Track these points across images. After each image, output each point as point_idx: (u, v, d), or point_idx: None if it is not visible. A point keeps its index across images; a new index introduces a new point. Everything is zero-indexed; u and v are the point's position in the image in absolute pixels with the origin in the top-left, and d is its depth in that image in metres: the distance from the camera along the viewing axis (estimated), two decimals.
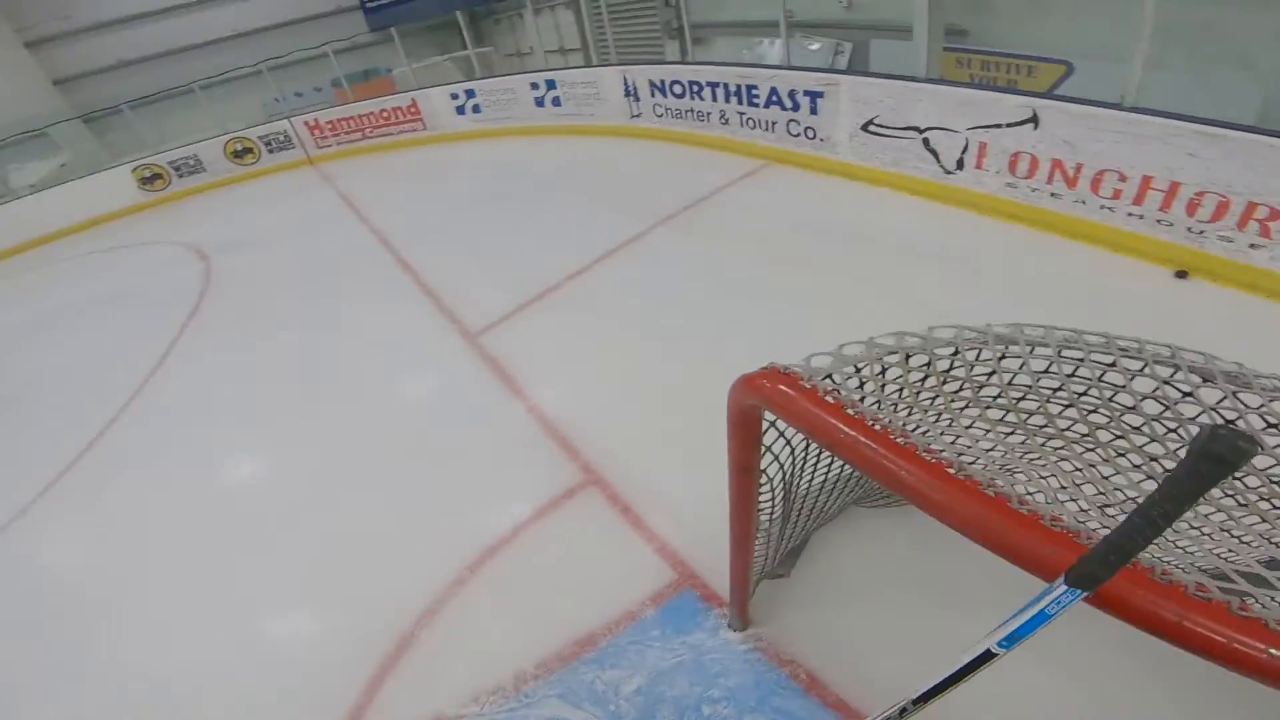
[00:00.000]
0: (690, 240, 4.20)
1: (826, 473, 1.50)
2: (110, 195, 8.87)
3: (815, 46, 5.76)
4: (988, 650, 0.74)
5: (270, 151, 9.04)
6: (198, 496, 3.08)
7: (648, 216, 4.54)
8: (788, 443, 1.16)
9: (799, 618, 1.91)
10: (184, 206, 8.72)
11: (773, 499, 1.32)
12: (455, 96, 8.03)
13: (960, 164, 3.83)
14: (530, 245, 4.74)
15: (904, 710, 0.87)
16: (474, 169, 6.84)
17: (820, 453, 1.35)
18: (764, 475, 1.17)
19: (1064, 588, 0.62)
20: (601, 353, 3.33)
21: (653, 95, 5.99)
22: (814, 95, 4.39)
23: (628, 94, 6.26)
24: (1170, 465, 0.84)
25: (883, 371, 0.92)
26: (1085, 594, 0.61)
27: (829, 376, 0.82)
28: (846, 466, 1.54)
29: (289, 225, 6.79)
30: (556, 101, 7.11)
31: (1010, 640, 0.71)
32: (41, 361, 4.97)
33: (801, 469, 1.36)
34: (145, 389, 4.10)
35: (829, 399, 0.76)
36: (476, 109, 7.90)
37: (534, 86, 7.23)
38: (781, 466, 1.23)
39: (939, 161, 3.92)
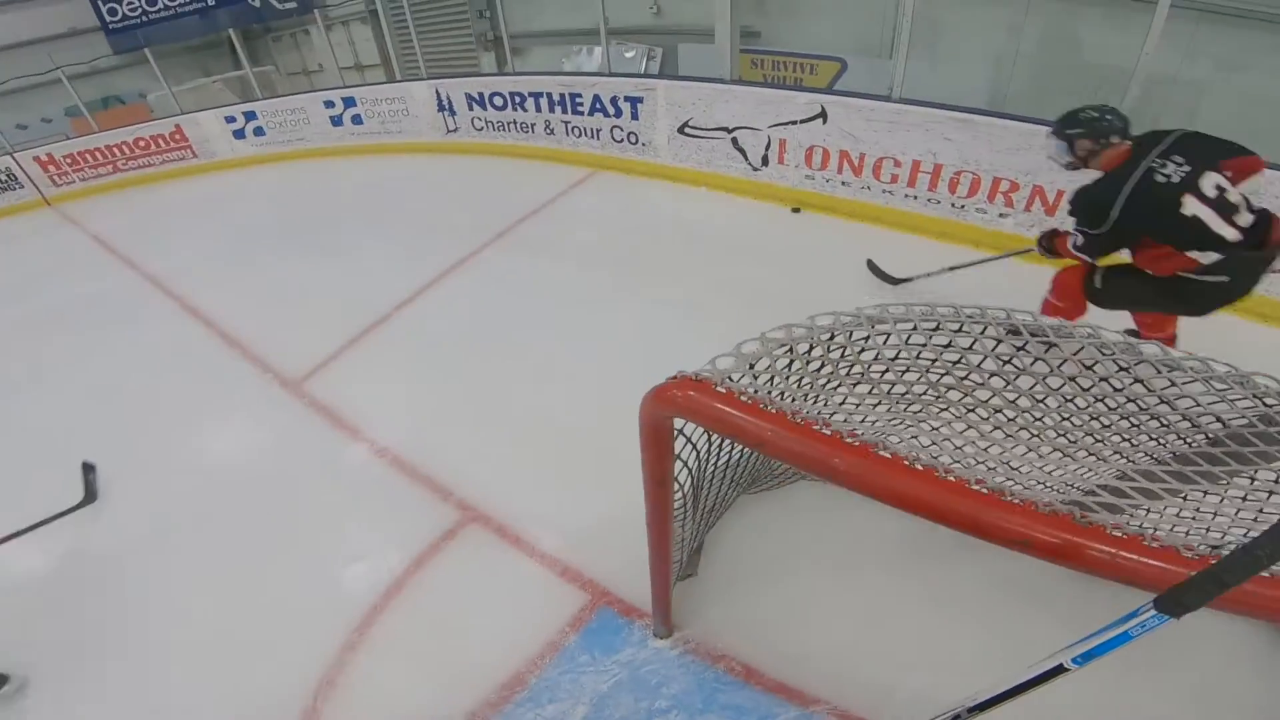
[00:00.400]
0: (525, 255, 4.12)
1: (727, 468, 1.54)
2: None
3: (630, 54, 5.95)
4: (1060, 665, 0.76)
5: None
6: None
7: (477, 234, 4.37)
8: (694, 447, 1.17)
9: (718, 612, 1.96)
10: None
11: (684, 504, 1.33)
12: (232, 120, 7.10)
13: (765, 160, 4.18)
14: (346, 277, 4.32)
15: (957, 718, 0.89)
16: (265, 198, 6.11)
17: (721, 450, 1.39)
18: (675, 483, 1.17)
19: (1152, 612, 0.64)
20: (448, 383, 3.14)
21: (470, 109, 5.78)
22: (634, 100, 4.53)
23: (441, 108, 5.98)
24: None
25: (789, 364, 0.95)
26: (1172, 618, 0.63)
27: (740, 377, 0.83)
28: (745, 459, 1.60)
29: (24, 277, 5.53)
30: (357, 119, 6.58)
31: (1086, 657, 0.73)
32: None
33: (705, 469, 1.38)
34: None
35: (744, 399, 0.78)
36: (259, 131, 7.07)
37: (329, 105, 6.63)
38: (690, 472, 1.24)
39: (747, 159, 4.25)
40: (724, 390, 0.79)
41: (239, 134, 7.12)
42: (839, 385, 1.03)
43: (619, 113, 4.69)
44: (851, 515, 1.92)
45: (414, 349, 3.42)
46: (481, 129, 5.84)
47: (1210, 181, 1.92)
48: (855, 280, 3.33)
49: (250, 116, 7.00)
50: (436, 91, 5.95)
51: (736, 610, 1.96)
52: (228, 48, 10.71)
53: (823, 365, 1.00)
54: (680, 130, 4.41)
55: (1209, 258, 1.94)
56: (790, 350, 0.98)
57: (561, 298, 3.61)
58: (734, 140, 4.18)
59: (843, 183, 3.96)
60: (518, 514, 2.41)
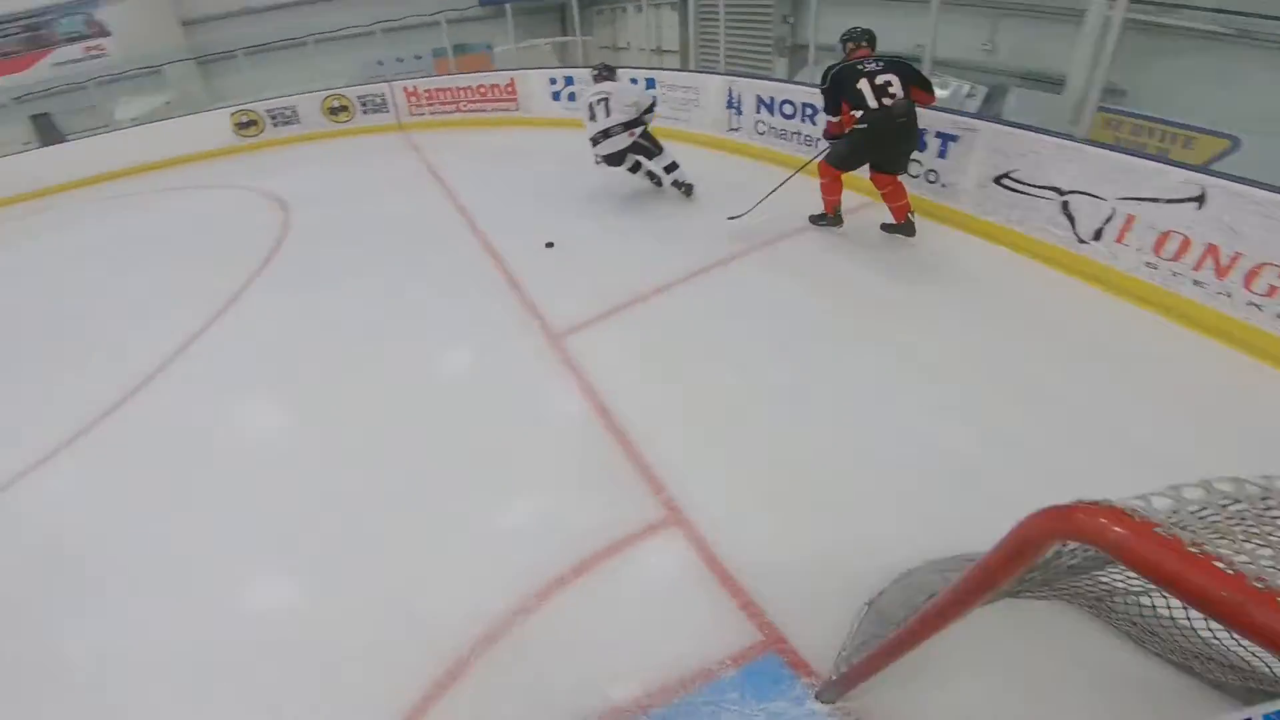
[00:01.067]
0: (780, 274, 4.00)
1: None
2: (206, 136, 9.12)
3: (946, 91, 5.46)
4: None
5: (364, 112, 9.15)
6: (228, 462, 3.07)
7: (737, 240, 4.37)
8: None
9: (895, 694, 1.75)
10: (273, 154, 8.91)
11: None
12: (553, 82, 7.97)
13: (1098, 234, 3.54)
14: (616, 248, 4.62)
15: None
16: (566, 160, 6.76)
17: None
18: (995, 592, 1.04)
19: None
20: (690, 385, 3.16)
21: (758, 111, 5.79)
22: (947, 138, 4.14)
23: (730, 106, 6.08)
24: None
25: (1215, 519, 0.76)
26: None
27: (1185, 526, 0.69)
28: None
29: (373, 185, 6.87)
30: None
31: None
32: (104, 291, 5.15)
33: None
34: (203, 335, 4.20)
35: (1194, 551, 0.64)
36: (571, 97, 7.84)
37: (633, 82, 7.11)
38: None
39: (1074, 228, 3.64)
40: (1169, 535, 0.66)
41: (555, 95, 7.98)
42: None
43: (923, 146, 4.31)
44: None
45: (661, 340, 3.52)
46: (764, 133, 5.82)
47: (883, 79, 3.55)
48: (1217, 415, 2.69)
49: (569, 81, 7.79)
50: (729, 88, 6.04)
51: (916, 699, 1.74)
52: (557, 14, 12.08)
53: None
54: (996, 180, 3.92)
55: (863, 116, 3.61)
56: (1232, 509, 0.77)
57: (805, 328, 3.46)
58: (1064, 205, 3.61)
59: (1195, 281, 3.21)
60: (721, 534, 2.37)
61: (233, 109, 9.18)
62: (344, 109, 9.14)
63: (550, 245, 4.52)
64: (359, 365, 3.63)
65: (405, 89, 9.03)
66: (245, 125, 9.13)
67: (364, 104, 9.15)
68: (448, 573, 2.36)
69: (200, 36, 11.50)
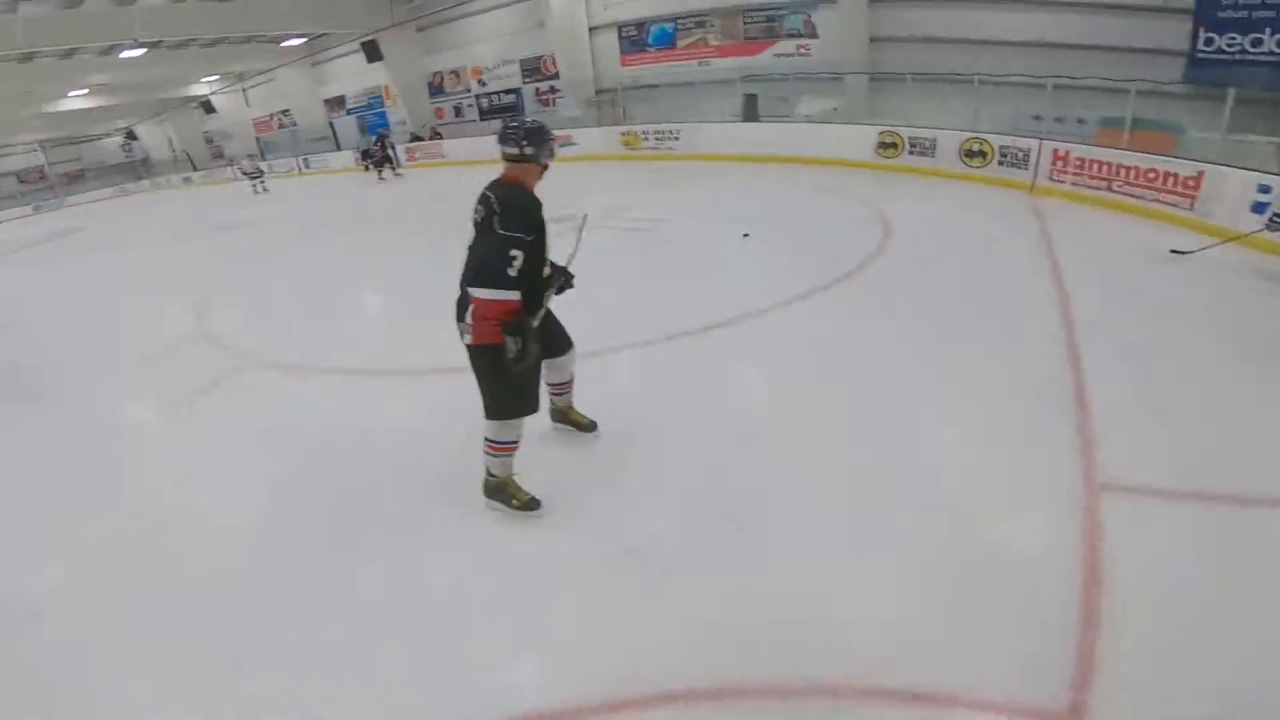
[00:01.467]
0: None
1: None
2: (851, 147, 10.69)
3: None
4: None
5: (1000, 163, 9.23)
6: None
7: None
8: None
9: None
10: (900, 179, 9.88)
11: None
12: (1264, 190, 6.48)
13: None
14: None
15: None
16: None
17: None
18: None
19: None
20: None
21: None
22: None
23: None
24: None
25: None
26: None
27: None
28: None
29: (978, 238, 7.00)
30: None
31: None
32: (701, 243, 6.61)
33: None
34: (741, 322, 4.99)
35: None
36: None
37: None
38: None
39: None
40: None
41: (1257, 207, 6.50)
42: None
43: None
44: None
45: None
46: None
47: None
48: None
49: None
50: None
51: None
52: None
53: None
54: None
55: None
56: None
57: None
58: None
59: None
60: None
61: (881, 128, 10.47)
62: (981, 154, 9.40)
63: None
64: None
65: (1055, 150, 8.69)
66: (886, 146, 10.34)
67: (1003, 155, 9.22)
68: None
69: (881, 54, 13.08)
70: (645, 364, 4.60)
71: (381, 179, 17.61)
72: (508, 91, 20.09)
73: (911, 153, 10.10)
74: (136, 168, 34.68)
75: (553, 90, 18.74)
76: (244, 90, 27.27)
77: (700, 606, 2.40)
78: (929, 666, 2.07)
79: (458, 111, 21.65)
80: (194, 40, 19.36)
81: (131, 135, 34.18)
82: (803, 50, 14.04)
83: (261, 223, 13.93)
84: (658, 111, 15.38)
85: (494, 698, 2.15)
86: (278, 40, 20.68)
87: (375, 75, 21.86)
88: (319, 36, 21.17)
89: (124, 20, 15.25)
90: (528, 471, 3.03)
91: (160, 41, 18.04)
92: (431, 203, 12.83)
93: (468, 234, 2.65)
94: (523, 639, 2.40)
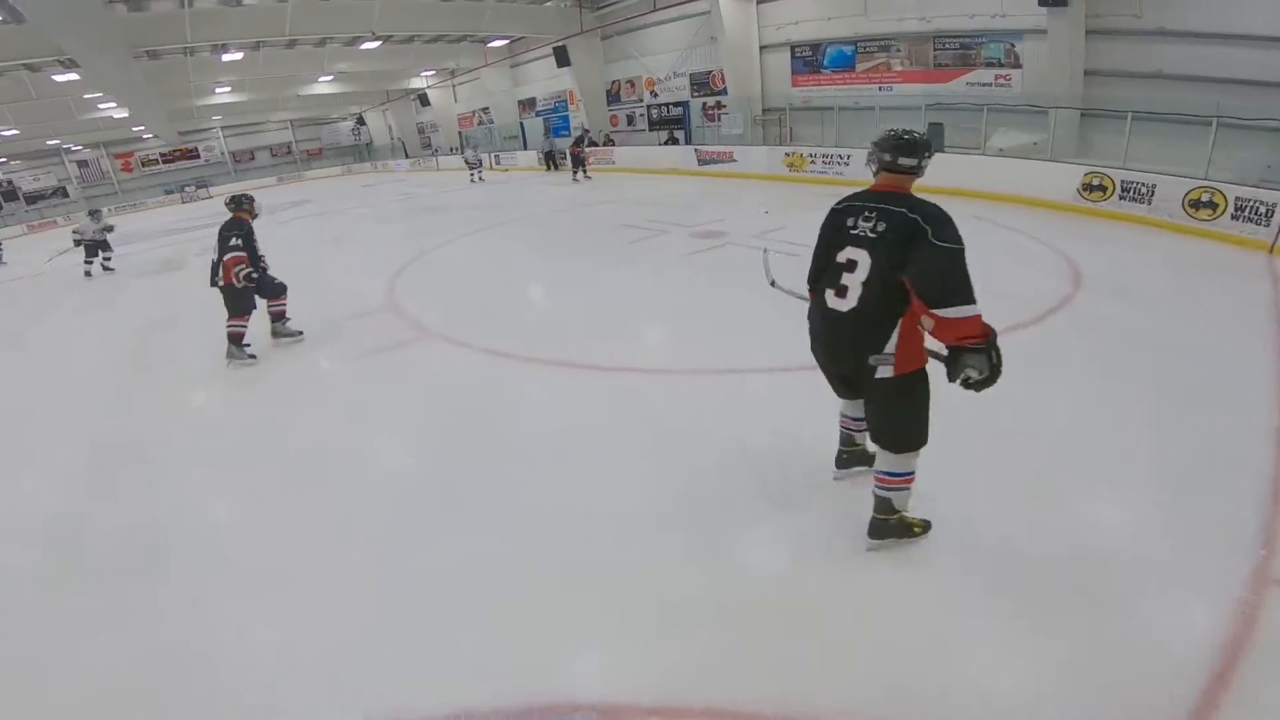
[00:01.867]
0: None
1: None
2: (1049, 186, 9.69)
3: None
4: None
5: (1234, 217, 7.91)
6: None
7: None
8: None
9: None
10: (1104, 226, 8.78)
11: None
12: None
13: None
14: None
15: None
16: None
17: None
18: None
19: None
20: None
21: None
22: None
23: None
24: None
25: None
26: None
27: None
28: None
29: (1184, 300, 6.02)
30: None
31: None
32: None
33: None
34: None
35: None
36: None
37: None
38: None
39: None
40: None
41: None
42: None
43: None
44: None
45: None
46: None
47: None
48: None
49: None
50: None
51: None
52: None
53: None
54: None
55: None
56: None
57: None
58: None
59: None
60: None
61: (1088, 168, 9.39)
62: (1211, 205, 8.11)
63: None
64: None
65: None
66: (1092, 188, 9.26)
67: (1239, 208, 7.87)
68: None
69: (1095, 90, 11.79)
70: (783, 390, 4.53)
71: (575, 180, 18.64)
72: (676, 104, 20.73)
73: (1123, 197, 8.97)
74: (361, 150, 40.29)
75: (719, 105, 19.03)
76: (454, 86, 30.64)
77: None
78: None
79: (629, 120, 22.70)
80: (418, 36, 22.17)
81: (361, 121, 39.74)
82: (1002, 80, 13.06)
83: (462, 208, 15.56)
84: (828, 135, 15.01)
85: None
86: (485, 40, 23.02)
87: (562, 80, 23.54)
88: (518, 39, 23.28)
89: (365, 13, 17.79)
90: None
91: (391, 35, 20.89)
92: (620, 207, 13.49)
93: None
94: None
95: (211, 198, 30.48)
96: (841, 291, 2.37)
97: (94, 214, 12.01)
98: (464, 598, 2.71)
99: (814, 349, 2.67)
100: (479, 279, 8.92)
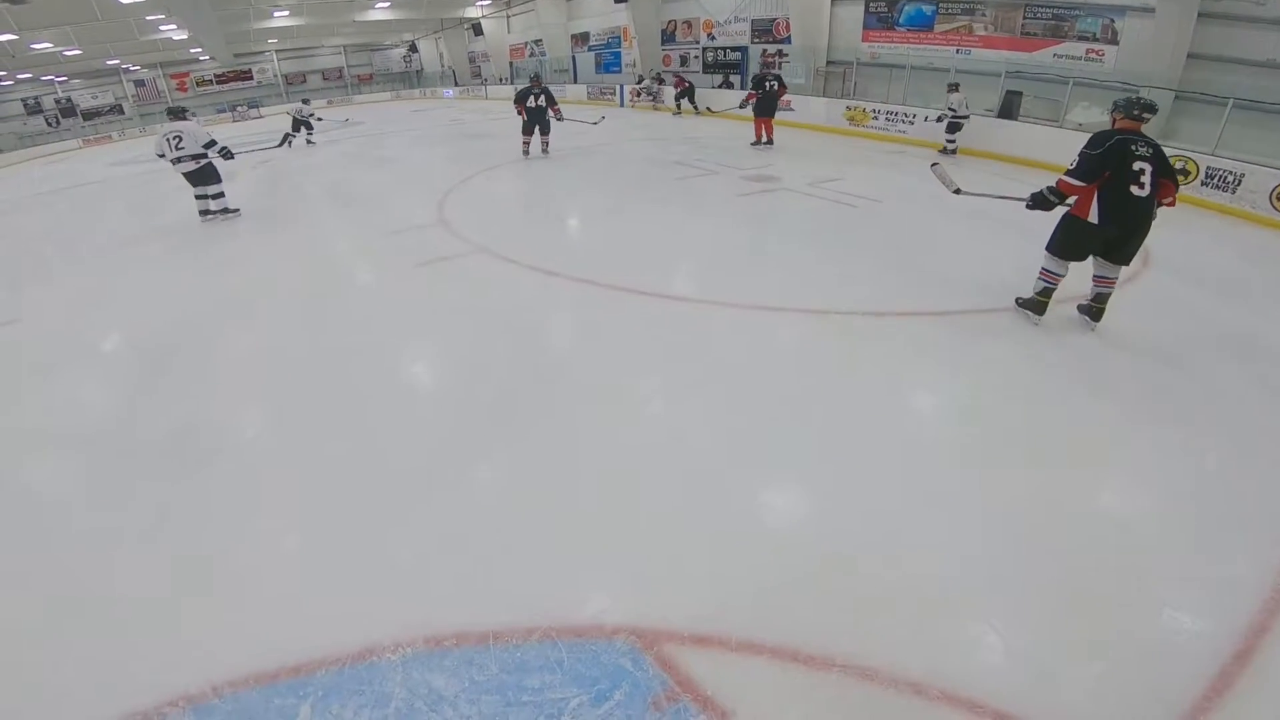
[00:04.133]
0: None
1: None
2: None
3: None
4: None
5: None
6: None
7: None
8: None
9: None
10: (1181, 212, 8.15)
11: None
12: None
13: None
14: None
15: None
16: None
17: None
18: None
19: None
20: None
21: None
22: None
23: None
24: None
25: None
26: None
27: None
28: None
29: (1259, 293, 5.58)
30: None
31: None
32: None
33: None
34: None
35: None
36: None
37: None
38: None
39: None
40: None
41: None
42: None
43: None
44: None
45: None
46: None
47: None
48: None
49: None
50: None
51: None
52: None
53: None
54: None
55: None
56: None
57: None
58: None
59: None
60: None
61: (1173, 151, 8.75)
62: None
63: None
64: None
65: None
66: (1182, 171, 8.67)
67: None
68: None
69: (1193, 73, 10.95)
70: (810, 333, 4.55)
71: (678, 113, 18.07)
72: (734, 48, 19.85)
73: (1205, 184, 8.40)
74: (411, 77, 39.84)
75: (780, 54, 18.20)
76: (508, 17, 29.84)
77: None
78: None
79: (683, 61, 21.82)
80: None
81: (413, 48, 39.11)
82: (1094, 55, 12.22)
83: (506, 135, 15.28)
84: (894, 92, 14.28)
85: None
86: None
87: (618, 16, 22.73)
88: None
89: None
90: None
91: None
92: (668, 145, 13.19)
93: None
94: None
95: (262, 118, 30.59)
96: (1140, 186, 3.84)
97: (305, 101, 16.82)
98: (502, 514, 2.74)
99: (1096, 231, 4.07)
100: (527, 203, 9.12)
